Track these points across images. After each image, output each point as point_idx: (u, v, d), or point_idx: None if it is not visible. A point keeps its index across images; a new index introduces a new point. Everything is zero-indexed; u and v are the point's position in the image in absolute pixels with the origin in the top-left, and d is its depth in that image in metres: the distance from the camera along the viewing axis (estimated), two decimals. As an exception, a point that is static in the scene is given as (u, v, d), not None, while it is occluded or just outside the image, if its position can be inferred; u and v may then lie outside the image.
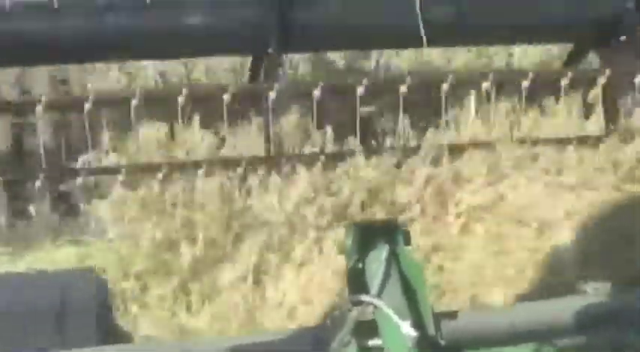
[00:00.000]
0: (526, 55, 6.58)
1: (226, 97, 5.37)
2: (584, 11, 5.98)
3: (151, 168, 5.35)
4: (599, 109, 6.03)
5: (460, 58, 6.52)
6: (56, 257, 5.19)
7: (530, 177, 5.69)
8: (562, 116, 6.01)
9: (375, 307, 3.05)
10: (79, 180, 5.29)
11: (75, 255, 5.18)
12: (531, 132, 5.93)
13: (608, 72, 5.86)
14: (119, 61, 5.76)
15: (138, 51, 5.47)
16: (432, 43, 5.79)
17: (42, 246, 5.26)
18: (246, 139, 5.56)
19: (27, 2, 5.28)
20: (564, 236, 5.49)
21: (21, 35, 5.17)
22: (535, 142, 5.81)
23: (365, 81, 5.51)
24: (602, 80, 5.89)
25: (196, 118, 5.48)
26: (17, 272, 5.09)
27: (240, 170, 5.36)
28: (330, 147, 5.60)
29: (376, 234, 3.27)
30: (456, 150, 5.70)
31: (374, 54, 6.41)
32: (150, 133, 5.47)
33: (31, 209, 5.30)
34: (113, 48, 5.35)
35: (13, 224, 5.32)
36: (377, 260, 3.19)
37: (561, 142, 5.83)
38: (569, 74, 5.87)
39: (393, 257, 3.20)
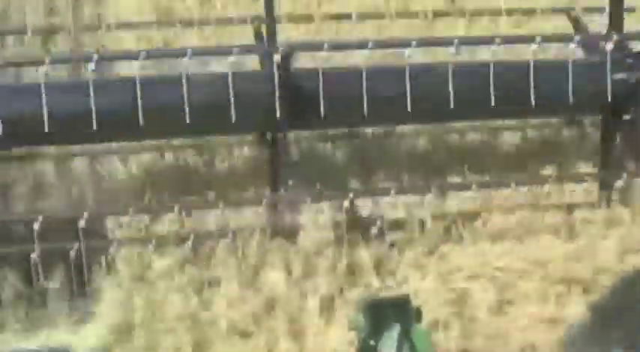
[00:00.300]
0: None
1: None
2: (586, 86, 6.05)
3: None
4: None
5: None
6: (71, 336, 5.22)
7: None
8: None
9: (389, 385, 3.11)
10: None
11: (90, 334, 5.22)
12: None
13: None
14: (120, 140, 5.78)
15: (140, 129, 5.50)
16: (437, 118, 5.94)
17: (56, 322, 5.30)
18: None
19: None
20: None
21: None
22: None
23: None
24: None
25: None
26: (29, 349, 5.11)
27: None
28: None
29: (388, 311, 3.35)
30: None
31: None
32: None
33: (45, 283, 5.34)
34: (113, 127, 5.39)
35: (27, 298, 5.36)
36: (389, 338, 3.26)
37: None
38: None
39: (405, 335, 3.28)
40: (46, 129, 5.20)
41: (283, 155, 5.71)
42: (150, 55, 5.60)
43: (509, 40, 5.97)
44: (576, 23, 6.32)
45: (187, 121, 5.40)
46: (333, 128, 6.09)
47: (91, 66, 5.38)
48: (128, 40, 6.46)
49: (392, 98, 5.71)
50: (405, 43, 5.69)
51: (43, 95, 5.18)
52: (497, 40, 5.81)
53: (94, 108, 5.24)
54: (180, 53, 5.58)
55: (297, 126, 5.81)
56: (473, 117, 6.12)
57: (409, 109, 5.67)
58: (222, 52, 5.60)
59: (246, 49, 5.73)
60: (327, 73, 5.66)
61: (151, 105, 5.39)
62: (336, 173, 6.05)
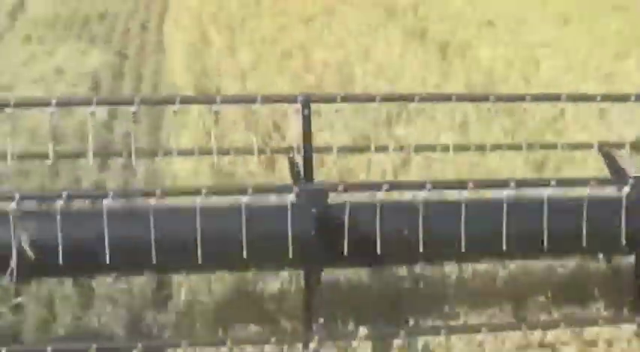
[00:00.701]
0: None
1: None
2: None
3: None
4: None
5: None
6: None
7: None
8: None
9: None
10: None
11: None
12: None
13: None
14: (146, 273, 5.73)
15: (169, 264, 5.46)
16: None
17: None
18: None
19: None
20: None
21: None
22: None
23: None
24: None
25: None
26: None
27: None
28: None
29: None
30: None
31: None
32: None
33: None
34: (136, 260, 5.37)
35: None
36: None
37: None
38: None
39: None
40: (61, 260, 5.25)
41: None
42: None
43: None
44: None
45: (204, 255, 5.34)
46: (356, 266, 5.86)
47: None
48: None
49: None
50: (411, 97, 5.70)
51: (58, 223, 5.27)
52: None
53: (107, 238, 5.27)
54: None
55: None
56: (485, 258, 5.77)
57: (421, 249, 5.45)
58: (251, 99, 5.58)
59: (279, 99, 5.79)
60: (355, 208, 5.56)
61: (166, 237, 5.37)
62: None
